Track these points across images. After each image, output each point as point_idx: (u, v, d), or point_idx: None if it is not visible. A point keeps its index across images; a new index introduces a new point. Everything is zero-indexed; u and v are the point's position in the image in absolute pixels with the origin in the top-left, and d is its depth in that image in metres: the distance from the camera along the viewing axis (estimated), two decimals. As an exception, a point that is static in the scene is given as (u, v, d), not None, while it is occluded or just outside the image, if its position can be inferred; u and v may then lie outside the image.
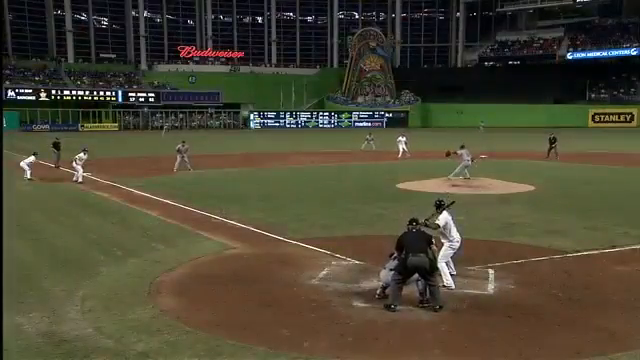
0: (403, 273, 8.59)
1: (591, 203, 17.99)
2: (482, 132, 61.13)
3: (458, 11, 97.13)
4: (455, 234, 9.64)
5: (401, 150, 35.40)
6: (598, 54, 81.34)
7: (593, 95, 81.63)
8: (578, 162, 30.86)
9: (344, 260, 11.18)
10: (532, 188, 21.11)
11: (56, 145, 29.05)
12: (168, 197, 18.77)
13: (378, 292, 8.99)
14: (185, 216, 15.77)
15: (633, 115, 76.01)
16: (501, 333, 7.63)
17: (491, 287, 9.57)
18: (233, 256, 11.67)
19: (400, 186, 21.62)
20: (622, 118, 76.30)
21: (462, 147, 23.33)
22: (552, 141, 33.55)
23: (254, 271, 10.53)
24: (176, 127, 75.92)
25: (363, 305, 8.72)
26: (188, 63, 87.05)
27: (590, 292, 9.24)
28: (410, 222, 9.08)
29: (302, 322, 8.04)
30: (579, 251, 11.78)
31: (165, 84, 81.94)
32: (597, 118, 77.09)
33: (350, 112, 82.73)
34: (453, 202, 10.09)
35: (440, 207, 9.63)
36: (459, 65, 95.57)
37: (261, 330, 7.75)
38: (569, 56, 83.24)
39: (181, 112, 79.20)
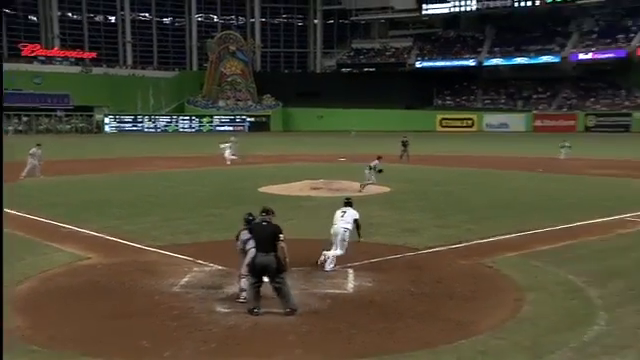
0: (254, 274, 8.33)
1: (441, 203, 19.24)
2: (354, 136, 62.87)
3: (316, 18, 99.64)
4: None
5: (228, 155, 32.64)
6: (443, 63, 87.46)
7: (440, 101, 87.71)
8: (429, 164, 32.91)
9: (207, 266, 11.00)
10: (388, 189, 22.12)
11: None
12: (14, 206, 17.29)
13: (241, 297, 8.93)
14: (33, 226, 14.65)
15: (473, 120, 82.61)
16: (360, 329, 7.91)
17: (350, 286, 9.90)
18: (87, 267, 11.05)
19: (262, 190, 21.70)
20: (465, 123, 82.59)
21: (379, 157, 22.05)
22: (404, 144, 35.47)
23: (110, 282, 10.03)
24: (20, 131, 70.00)
25: (226, 310, 8.63)
26: (32, 62, 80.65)
27: (440, 285, 9.88)
28: (263, 211, 8.61)
29: (163, 331, 7.79)
30: (430, 247, 12.56)
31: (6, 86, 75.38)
32: (444, 123, 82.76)
33: (211, 116, 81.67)
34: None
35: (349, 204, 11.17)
36: (318, 71, 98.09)
37: (118, 342, 7.40)
38: (418, 64, 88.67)
39: (25, 115, 73.08)
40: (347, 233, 10.84)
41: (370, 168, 21.67)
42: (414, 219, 16.04)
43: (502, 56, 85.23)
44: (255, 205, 16.74)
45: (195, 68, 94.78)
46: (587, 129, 75.02)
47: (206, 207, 17.77)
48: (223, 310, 8.64)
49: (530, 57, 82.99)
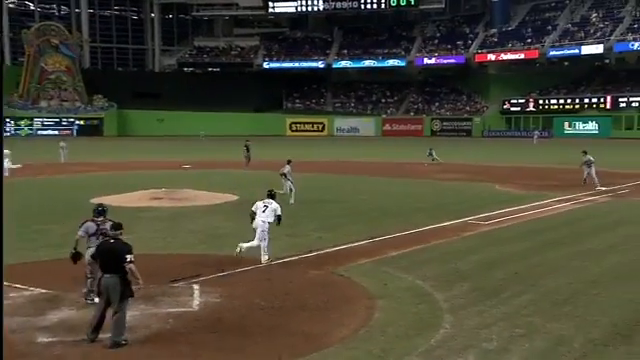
0: (100, 295, 8.07)
1: (290, 210, 19.55)
2: (203, 140, 61.96)
3: (152, 12, 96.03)
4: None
5: (7, 166, 27.47)
6: (291, 65, 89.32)
7: (289, 105, 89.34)
8: (277, 170, 33.25)
9: (26, 290, 10.27)
10: (235, 198, 22.10)
11: None
12: None
13: (88, 299, 8.54)
14: None
15: (324, 124, 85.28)
16: (207, 350, 7.82)
17: (196, 303, 9.75)
18: None
19: (96, 201, 20.64)
20: (315, 127, 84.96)
21: (289, 161, 21.88)
22: (247, 149, 35.78)
23: None
24: None
25: (49, 340, 8.13)
26: None
27: (290, 298, 10.03)
28: (113, 227, 8.35)
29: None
30: (281, 258, 12.69)
31: None
32: (294, 127, 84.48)
33: (31, 118, 76.19)
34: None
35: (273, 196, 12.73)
36: (157, 69, 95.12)
37: None
38: (265, 65, 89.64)
39: None
40: (266, 225, 12.30)
41: (284, 175, 21.41)
42: (264, 228, 16.19)
43: (350, 59, 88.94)
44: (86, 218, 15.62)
45: (9, 63, 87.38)
46: (433, 133, 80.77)
47: (29, 223, 16.55)
48: (46, 340, 8.11)
49: (378, 60, 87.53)
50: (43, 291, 10.22)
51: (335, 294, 10.20)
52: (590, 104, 75.16)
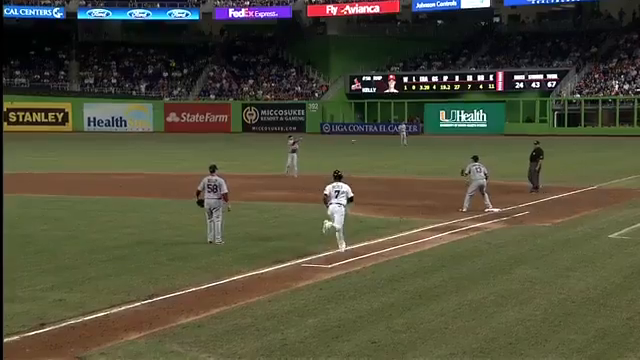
0: None
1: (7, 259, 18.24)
2: None
3: None
4: None
5: None
6: (8, 13, 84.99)
7: (7, 80, 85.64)
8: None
9: None
10: None
11: None
12: None
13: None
14: None
15: (67, 113, 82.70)
16: None
17: None
18: None
19: None
20: (52, 118, 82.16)
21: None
22: None
23: None
24: None
25: None
26: None
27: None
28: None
29: None
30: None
31: None
32: (14, 117, 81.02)
33: None
34: None
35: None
36: None
37: None
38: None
39: None
40: (343, 210, 18.08)
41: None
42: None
43: (108, 6, 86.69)
44: None
45: None
46: (246, 127, 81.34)
47: None
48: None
49: (155, 10, 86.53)
50: None
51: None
52: (475, 83, 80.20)
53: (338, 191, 18.08)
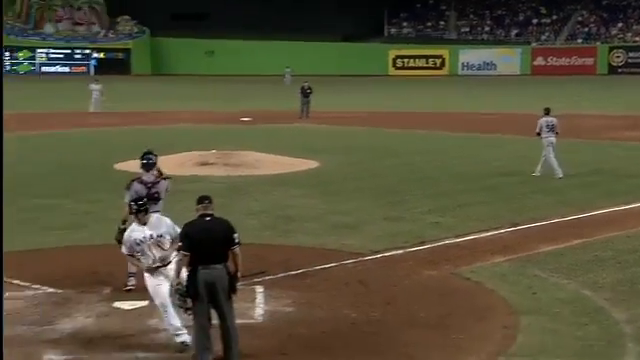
0: (194, 295, 8.01)
1: (393, 183, 19.51)
2: (288, 83, 60.71)
3: None
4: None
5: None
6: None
7: (393, 30, 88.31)
8: (371, 125, 33.24)
9: (28, 288, 10.73)
10: (316, 164, 22.27)
11: None
12: None
13: (129, 284, 9.56)
14: None
15: (444, 59, 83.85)
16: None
17: (260, 312, 9.94)
18: None
19: (119, 167, 21.32)
20: (431, 63, 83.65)
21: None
22: (305, 93, 35.89)
23: None
24: None
25: (60, 358, 8.48)
26: None
27: (392, 309, 10.06)
28: (201, 200, 8.42)
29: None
30: (379, 252, 12.74)
31: None
32: (399, 63, 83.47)
33: (32, 49, 78.81)
34: None
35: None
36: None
37: None
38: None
39: None
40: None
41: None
42: (353, 209, 16.27)
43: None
44: (109, 192, 16.11)
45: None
46: (612, 70, 77.68)
47: (31, 196, 17.26)
48: (54, 358, 8.49)
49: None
50: (50, 290, 10.68)
51: (458, 306, 10.20)
52: None
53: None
